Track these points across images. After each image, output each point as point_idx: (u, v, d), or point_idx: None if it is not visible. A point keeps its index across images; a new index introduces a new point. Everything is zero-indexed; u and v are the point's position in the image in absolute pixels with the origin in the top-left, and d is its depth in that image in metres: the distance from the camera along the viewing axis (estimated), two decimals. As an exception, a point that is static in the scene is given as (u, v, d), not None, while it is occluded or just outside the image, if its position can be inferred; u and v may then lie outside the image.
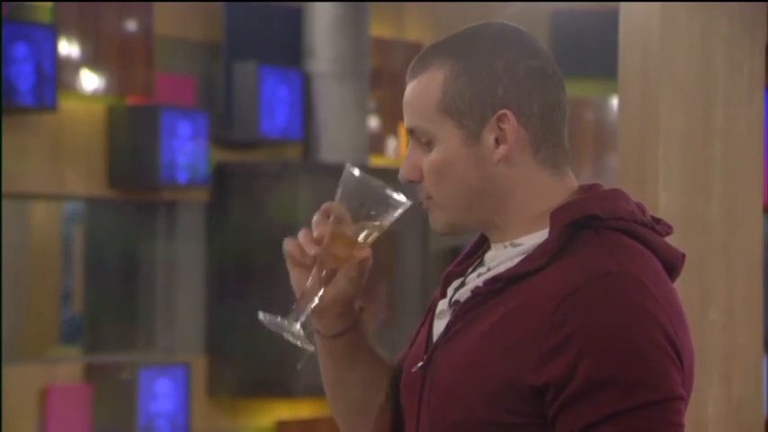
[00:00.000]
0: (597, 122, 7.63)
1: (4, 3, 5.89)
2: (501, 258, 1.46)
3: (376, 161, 7.12)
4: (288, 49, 6.88)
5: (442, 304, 1.50)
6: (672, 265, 1.48)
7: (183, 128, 6.41)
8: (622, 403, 1.34)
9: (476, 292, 1.44)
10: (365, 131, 6.93)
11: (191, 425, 6.42)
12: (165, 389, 6.29)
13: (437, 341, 1.47)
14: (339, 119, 6.84)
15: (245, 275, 6.63)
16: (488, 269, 1.47)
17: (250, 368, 6.62)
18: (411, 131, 1.48)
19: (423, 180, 1.47)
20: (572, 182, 1.49)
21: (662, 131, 3.10)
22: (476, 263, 1.52)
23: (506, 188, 1.46)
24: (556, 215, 1.43)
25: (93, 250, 6.56)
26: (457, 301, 1.47)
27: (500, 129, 1.44)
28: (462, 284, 1.49)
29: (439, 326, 1.48)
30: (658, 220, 1.50)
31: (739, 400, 3.15)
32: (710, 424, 3.13)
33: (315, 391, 6.77)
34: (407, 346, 1.57)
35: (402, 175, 1.49)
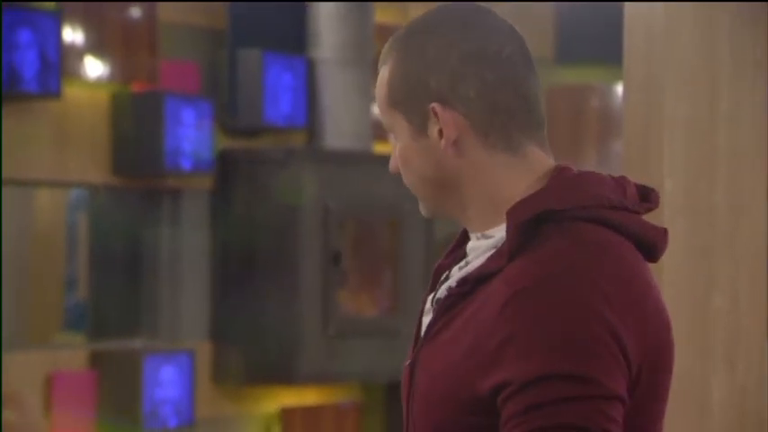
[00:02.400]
0: (602, 109, 7.62)
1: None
2: (477, 251, 1.46)
3: (380, 148, 7.12)
4: (292, 36, 6.86)
5: (429, 300, 1.50)
6: (651, 244, 1.44)
7: (188, 115, 6.41)
8: (563, 392, 1.33)
9: (449, 293, 1.44)
10: (369, 118, 6.92)
11: (195, 411, 6.44)
12: (169, 376, 6.30)
13: (422, 339, 1.47)
14: (343, 106, 6.83)
15: (250, 262, 6.63)
16: (467, 263, 1.47)
17: (255, 355, 6.63)
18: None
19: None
20: (538, 163, 1.45)
21: (666, 118, 3.10)
22: (460, 255, 1.51)
23: (462, 178, 1.44)
24: (511, 213, 1.41)
25: (98, 237, 6.56)
26: (438, 299, 1.47)
27: (438, 120, 1.43)
28: (446, 278, 1.49)
29: (425, 323, 1.48)
30: (646, 194, 1.46)
31: (743, 387, 3.15)
32: (714, 410, 3.13)
33: (319, 379, 6.77)
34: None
35: (390, 167, 1.52)
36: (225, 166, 6.66)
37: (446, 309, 1.44)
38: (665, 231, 1.46)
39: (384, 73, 1.47)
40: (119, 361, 6.26)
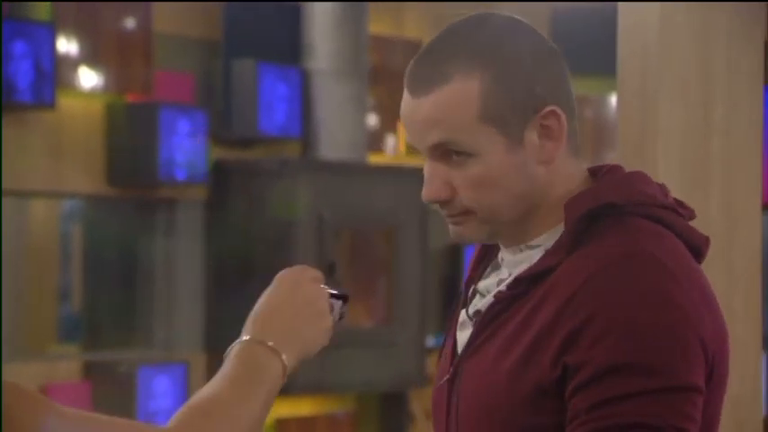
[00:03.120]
0: (596, 120, 7.62)
1: (3, 2, 5.88)
2: (521, 260, 1.42)
3: (374, 159, 7.12)
4: (287, 47, 6.87)
5: (463, 315, 1.46)
6: (697, 248, 1.43)
7: (182, 125, 6.41)
8: (631, 387, 1.30)
9: (499, 298, 1.40)
10: (364, 129, 6.92)
11: (189, 422, 6.42)
12: (163, 387, 6.29)
13: (462, 353, 1.43)
14: (338, 116, 6.83)
15: (244, 273, 6.63)
16: (510, 274, 1.43)
17: (249, 366, 6.62)
18: (439, 146, 1.38)
19: (455, 196, 1.39)
20: (582, 164, 1.44)
21: (661, 129, 3.10)
22: (488, 268, 1.47)
23: (546, 187, 1.40)
24: (570, 206, 1.38)
25: (92, 248, 6.56)
26: (478, 311, 1.43)
27: (543, 126, 1.39)
28: (476, 293, 1.46)
29: (462, 337, 1.44)
30: (681, 203, 1.46)
31: (737, 398, 3.15)
32: (709, 421, 3.12)
33: (314, 389, 6.76)
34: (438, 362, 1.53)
35: (430, 195, 1.39)
36: (219, 177, 6.65)
37: (492, 318, 1.40)
38: (708, 239, 1.46)
39: (465, 90, 1.37)
40: (113, 372, 6.25)
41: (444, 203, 1.40)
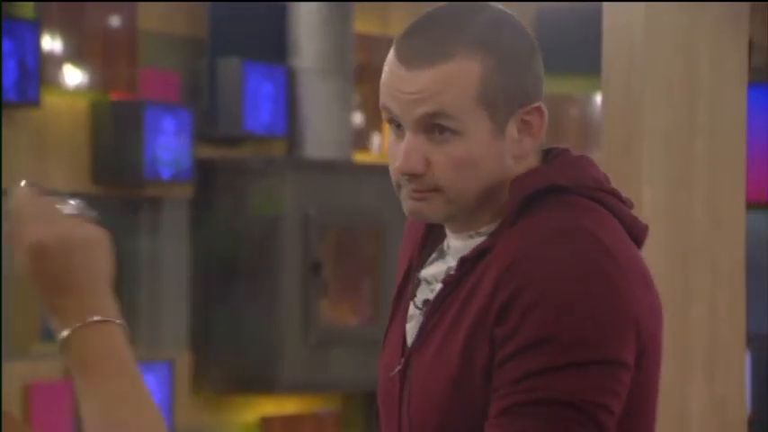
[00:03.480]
0: (581, 119, 7.64)
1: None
2: (469, 246, 1.41)
3: (360, 157, 7.12)
4: (272, 46, 6.86)
5: (411, 306, 1.46)
6: (636, 236, 1.44)
7: (168, 124, 6.40)
8: (557, 360, 1.29)
9: (446, 283, 1.41)
10: (350, 127, 6.92)
11: (175, 421, 6.41)
12: (148, 385, 6.27)
13: (413, 344, 1.42)
14: (323, 115, 6.83)
15: (230, 271, 6.62)
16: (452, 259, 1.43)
17: (234, 364, 6.61)
18: (430, 117, 1.38)
19: (427, 172, 1.40)
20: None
21: (646, 128, 3.10)
22: (433, 255, 1.46)
23: (506, 180, 1.41)
24: (516, 186, 1.39)
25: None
26: (427, 301, 1.43)
27: (523, 122, 1.41)
28: (420, 281, 1.45)
29: (411, 328, 1.44)
30: (620, 194, 1.46)
31: (722, 397, 3.15)
32: (694, 420, 3.13)
33: (300, 388, 6.76)
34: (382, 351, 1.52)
35: (408, 167, 1.39)
36: (205, 176, 6.64)
37: (439, 304, 1.40)
38: (647, 227, 1.46)
39: (466, 71, 1.38)
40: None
41: (414, 178, 1.40)
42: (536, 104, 1.41)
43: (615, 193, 1.43)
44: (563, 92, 7.71)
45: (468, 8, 1.43)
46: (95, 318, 1.14)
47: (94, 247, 1.20)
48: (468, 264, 1.39)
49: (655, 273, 3.30)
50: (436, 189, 1.40)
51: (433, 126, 1.39)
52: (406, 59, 1.40)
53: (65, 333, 1.12)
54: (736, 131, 3.21)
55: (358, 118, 7.28)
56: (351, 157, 6.92)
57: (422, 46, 1.40)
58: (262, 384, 6.61)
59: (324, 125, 6.83)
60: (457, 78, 1.39)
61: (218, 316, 6.64)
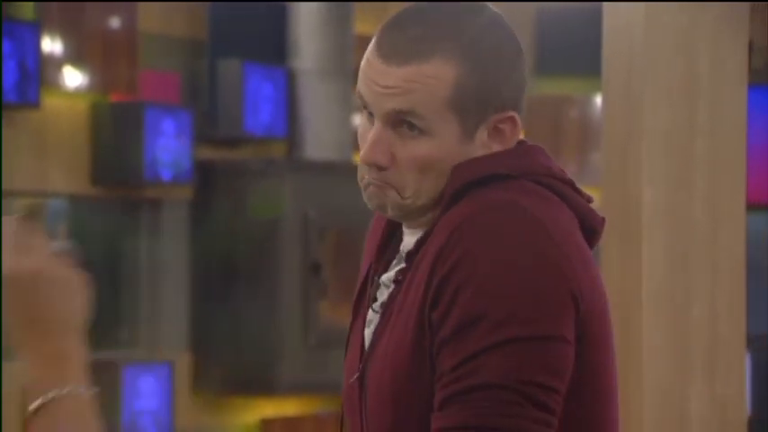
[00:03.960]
0: (581, 120, 7.64)
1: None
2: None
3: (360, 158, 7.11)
4: (272, 47, 6.86)
5: (371, 312, 1.44)
6: (591, 227, 1.40)
7: (167, 125, 6.40)
8: (489, 339, 1.26)
9: (396, 280, 1.39)
10: (349, 129, 6.92)
11: (175, 422, 6.41)
12: (149, 386, 6.28)
13: (368, 347, 1.41)
14: (323, 116, 6.83)
15: (229, 273, 6.62)
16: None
17: (234, 366, 6.61)
18: (399, 113, 1.38)
19: (391, 167, 1.39)
20: None
21: (646, 129, 3.10)
22: (394, 260, 1.44)
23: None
24: (456, 173, 1.37)
25: (77, 248, 6.53)
26: (383, 304, 1.42)
27: (496, 128, 1.39)
28: (379, 285, 1.43)
29: (370, 333, 1.42)
30: (579, 188, 1.44)
31: (722, 397, 3.15)
32: (694, 421, 3.13)
33: (299, 389, 6.76)
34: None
35: (372, 157, 1.39)
36: (204, 177, 6.64)
37: (390, 302, 1.38)
38: (603, 219, 1.43)
39: (442, 73, 1.37)
40: (98, 371, 6.22)
41: (378, 170, 1.40)
42: (510, 114, 1.39)
43: (569, 182, 1.41)
44: (563, 93, 7.71)
45: (455, 8, 1.41)
46: (65, 390, 1.12)
47: (69, 288, 1.16)
48: (413, 257, 1.38)
49: (655, 273, 3.30)
50: (396, 185, 1.39)
51: (402, 122, 1.39)
52: (384, 53, 1.40)
53: (34, 405, 1.11)
54: (736, 132, 3.21)
55: (358, 119, 7.28)
56: (351, 158, 6.92)
57: (401, 42, 1.39)
58: (262, 386, 6.61)
59: (324, 126, 6.83)
60: (431, 80, 1.38)
61: (217, 317, 6.64)
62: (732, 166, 3.18)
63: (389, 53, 1.39)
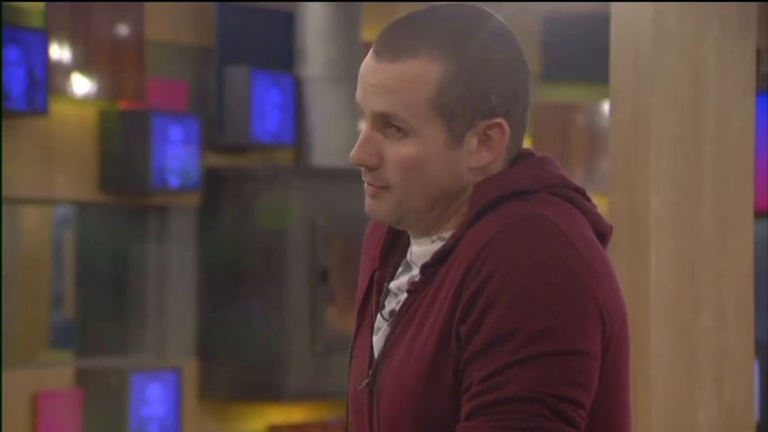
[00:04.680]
0: (589, 127, 7.63)
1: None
2: (431, 251, 1.40)
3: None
4: (280, 53, 6.87)
5: (379, 318, 1.43)
6: (601, 232, 1.41)
7: (175, 132, 6.40)
8: (520, 353, 1.27)
9: (410, 290, 1.39)
10: (357, 135, 6.90)
11: (182, 429, 6.41)
12: (156, 393, 6.28)
13: (379, 355, 1.41)
14: (331, 123, 6.84)
15: (237, 279, 6.62)
16: (412, 265, 1.42)
17: (241, 372, 6.61)
18: (382, 115, 1.39)
19: (380, 168, 1.40)
20: None
21: (653, 136, 3.10)
22: (400, 267, 1.44)
23: (464, 189, 1.40)
24: (479, 191, 1.37)
25: (85, 255, 6.55)
26: (393, 311, 1.42)
27: (486, 135, 1.39)
28: (388, 293, 1.43)
29: (378, 339, 1.43)
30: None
31: (731, 405, 3.15)
32: (702, 428, 3.12)
33: (307, 396, 6.75)
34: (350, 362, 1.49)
35: (359, 158, 1.41)
36: (212, 184, 6.65)
37: (404, 313, 1.38)
38: (611, 227, 1.44)
39: (426, 73, 1.37)
40: (105, 379, 6.24)
41: (369, 171, 1.40)
42: (498, 120, 1.38)
43: (580, 191, 1.42)
44: (570, 99, 7.71)
45: (455, 11, 1.41)
46: None
47: None
48: (430, 270, 1.38)
49: (662, 281, 3.30)
50: (387, 187, 1.40)
51: (389, 123, 1.39)
52: (377, 50, 1.40)
53: None
54: (744, 140, 3.21)
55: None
56: (358, 165, 6.92)
57: (393, 39, 1.39)
58: (269, 392, 6.61)
59: (331, 133, 6.83)
60: (415, 78, 1.37)
61: (225, 324, 6.64)
62: (739, 174, 3.17)
63: (380, 50, 1.40)
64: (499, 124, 1.38)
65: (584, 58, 7.49)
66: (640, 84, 3.06)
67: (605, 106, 7.37)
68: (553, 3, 7.46)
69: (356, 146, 1.41)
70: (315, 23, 6.79)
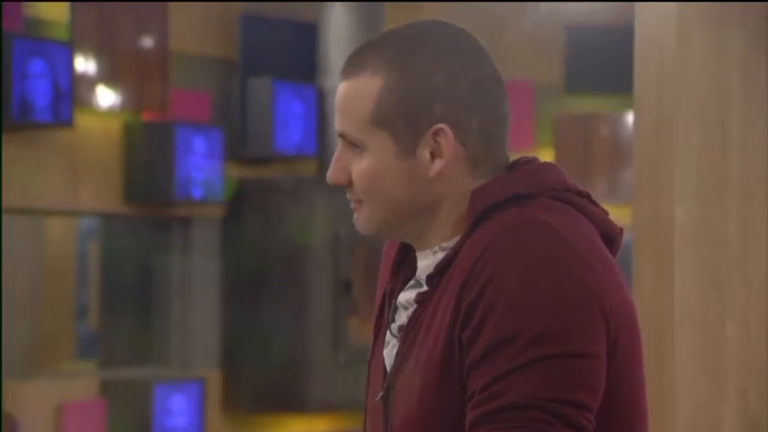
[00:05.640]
0: (612, 138, 7.62)
1: (15, 17, 5.92)
2: (435, 263, 1.40)
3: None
4: (303, 65, 6.89)
5: (388, 333, 1.44)
6: (610, 236, 1.40)
7: (199, 144, 6.43)
8: (520, 358, 1.26)
9: (418, 300, 1.40)
10: (380, 147, 6.93)
11: (206, 440, 6.42)
12: (180, 404, 6.29)
13: (391, 369, 1.42)
14: (354, 134, 6.85)
15: (260, 290, 6.63)
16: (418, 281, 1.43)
17: (265, 383, 6.62)
18: (340, 134, 1.43)
19: (351, 184, 1.43)
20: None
21: (677, 147, 3.10)
22: (411, 281, 1.44)
23: (437, 201, 1.40)
24: (476, 197, 1.37)
25: (109, 266, 6.57)
26: (402, 326, 1.42)
27: (436, 143, 1.39)
28: (397, 308, 1.44)
29: (388, 353, 1.44)
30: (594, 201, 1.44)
31: (756, 414, 3.13)
32: (727, 439, 3.11)
33: (329, 407, 6.75)
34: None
35: (330, 177, 1.46)
36: (235, 195, 6.67)
37: (412, 326, 1.39)
38: (622, 230, 1.43)
39: (367, 87, 1.39)
40: (130, 390, 6.26)
41: (346, 188, 1.45)
42: (440, 125, 1.38)
43: (586, 195, 1.41)
44: (593, 110, 7.70)
45: (412, 27, 1.42)
46: None
47: None
48: (434, 280, 1.39)
49: (687, 291, 3.29)
50: (360, 200, 1.44)
51: (348, 140, 1.43)
52: (341, 70, 1.45)
53: None
54: (769, 149, 3.20)
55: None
56: (381, 176, 6.93)
57: (351, 58, 1.44)
58: (292, 403, 6.62)
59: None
60: (357, 94, 1.41)
61: (248, 335, 6.65)
62: (765, 184, 3.17)
63: (342, 68, 1.45)
64: (441, 129, 1.39)
65: (606, 68, 7.48)
66: (664, 94, 3.06)
67: (628, 117, 7.35)
68: (575, 13, 7.45)
69: (330, 166, 1.46)
70: (338, 35, 6.81)
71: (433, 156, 1.39)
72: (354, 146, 1.42)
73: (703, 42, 3.08)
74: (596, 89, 7.66)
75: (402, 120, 1.38)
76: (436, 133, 1.38)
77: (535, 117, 7.32)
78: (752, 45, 3.14)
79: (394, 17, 6.92)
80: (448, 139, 1.38)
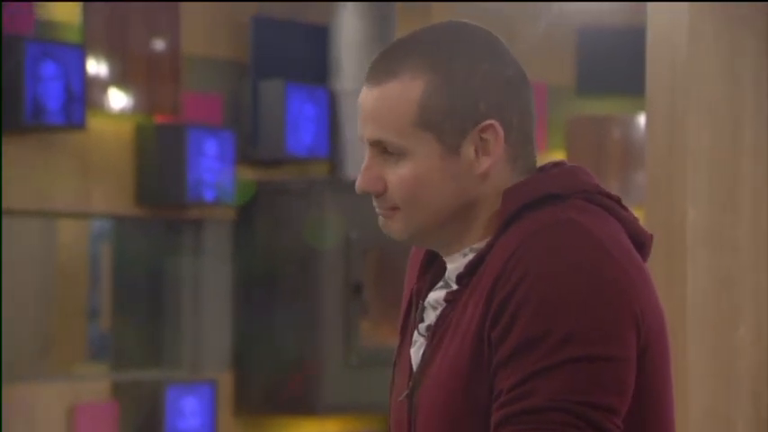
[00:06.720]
0: (624, 140, 7.61)
1: (27, 19, 5.93)
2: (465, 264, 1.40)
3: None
4: (314, 67, 6.89)
5: (416, 333, 1.44)
6: (640, 241, 1.40)
7: (210, 146, 6.44)
8: (548, 360, 1.25)
9: (447, 299, 1.39)
10: (391, 149, 6.93)
11: (217, 442, 6.42)
12: (191, 406, 6.30)
13: (417, 367, 1.41)
14: (365, 137, 6.85)
15: (272, 292, 6.64)
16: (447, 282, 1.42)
17: (276, 385, 6.62)
18: (376, 142, 1.41)
19: (386, 192, 1.41)
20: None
21: (690, 149, 3.09)
22: (440, 282, 1.44)
23: (475, 201, 1.39)
24: (508, 196, 1.37)
25: (121, 268, 6.58)
26: (430, 326, 1.42)
27: (482, 140, 1.39)
28: (425, 308, 1.43)
29: (415, 353, 1.43)
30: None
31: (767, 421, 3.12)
32: (740, 443, 3.10)
33: (341, 409, 6.75)
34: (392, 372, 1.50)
35: (363, 186, 1.42)
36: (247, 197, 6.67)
37: (441, 322, 1.39)
38: (651, 236, 1.43)
39: (407, 92, 1.38)
40: (141, 391, 6.26)
41: (377, 196, 1.42)
42: (489, 122, 1.38)
43: (616, 199, 1.41)
44: (605, 112, 7.68)
45: (440, 28, 1.41)
46: None
47: None
48: (465, 279, 1.38)
49: (699, 294, 3.28)
50: (395, 208, 1.41)
51: (384, 148, 1.40)
52: (366, 77, 1.42)
53: None
54: (781, 151, 3.18)
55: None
56: (392, 178, 6.92)
57: (379, 64, 1.41)
58: (303, 406, 6.62)
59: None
60: (396, 101, 1.38)
61: (259, 337, 6.65)
62: (777, 186, 3.15)
63: (369, 76, 1.42)
64: (491, 125, 1.38)
65: (618, 70, 7.46)
66: (676, 96, 3.05)
67: (640, 119, 7.34)
68: (587, 15, 7.44)
69: (360, 175, 1.43)
70: (349, 37, 6.81)
71: (477, 154, 1.39)
72: (389, 153, 1.40)
73: (716, 44, 3.07)
74: (608, 91, 7.64)
75: (448, 120, 1.37)
76: (483, 130, 1.38)
77: (547, 119, 7.32)
78: (765, 46, 3.13)
79: (405, 19, 6.92)
80: (498, 136, 1.38)
